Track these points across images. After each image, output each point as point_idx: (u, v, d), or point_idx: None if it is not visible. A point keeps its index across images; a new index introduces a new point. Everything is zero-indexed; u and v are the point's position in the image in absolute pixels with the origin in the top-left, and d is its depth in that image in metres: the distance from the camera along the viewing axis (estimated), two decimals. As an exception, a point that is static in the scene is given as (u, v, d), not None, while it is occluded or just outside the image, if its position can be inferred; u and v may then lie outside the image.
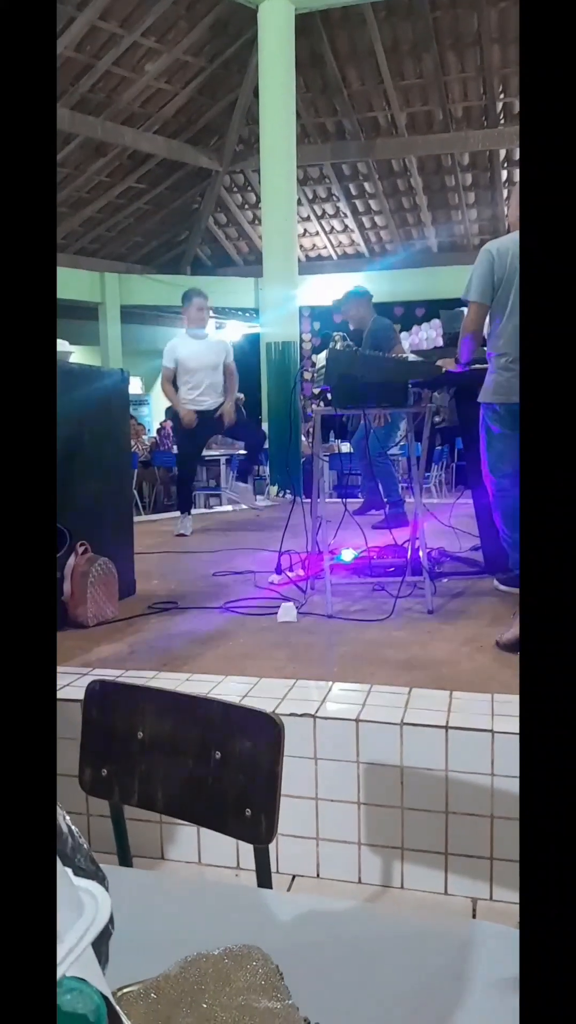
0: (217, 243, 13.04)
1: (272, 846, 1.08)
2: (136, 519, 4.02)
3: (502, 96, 9.84)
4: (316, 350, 11.82)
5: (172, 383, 5.07)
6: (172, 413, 5.30)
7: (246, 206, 12.28)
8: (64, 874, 0.44)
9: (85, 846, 0.59)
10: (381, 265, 12.07)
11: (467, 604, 3.16)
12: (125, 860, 1.25)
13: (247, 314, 12.79)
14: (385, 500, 5.06)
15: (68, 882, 0.44)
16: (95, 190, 11.02)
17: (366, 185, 11.40)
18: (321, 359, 3.33)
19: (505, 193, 10.94)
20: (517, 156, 10.41)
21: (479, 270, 3.00)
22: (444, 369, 3.31)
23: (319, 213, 12.03)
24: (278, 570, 3.62)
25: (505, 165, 10.63)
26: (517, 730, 1.80)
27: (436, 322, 10.52)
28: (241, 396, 9.72)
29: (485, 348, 3.38)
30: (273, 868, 1.15)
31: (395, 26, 9.12)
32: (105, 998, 0.41)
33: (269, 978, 0.59)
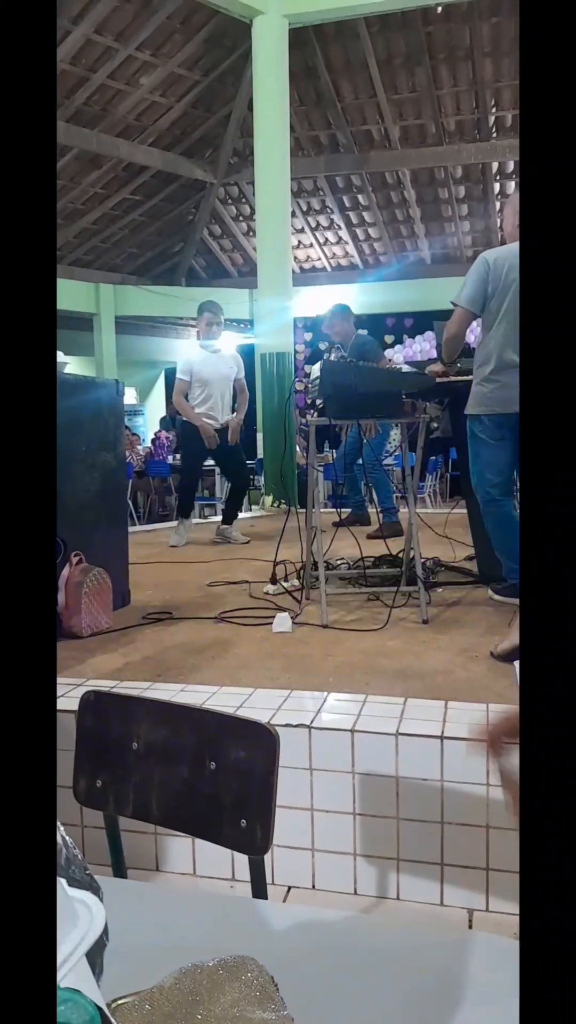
0: (212, 254, 13.09)
1: (267, 857, 1.08)
2: (130, 529, 4.02)
3: (494, 109, 9.93)
4: (308, 361, 11.86)
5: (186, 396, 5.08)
6: (181, 424, 5.25)
7: (240, 218, 12.34)
8: (59, 885, 0.44)
9: (79, 857, 0.58)
10: (375, 276, 12.13)
11: (462, 614, 3.16)
12: (120, 871, 1.25)
13: (242, 325, 12.83)
14: (379, 510, 5.07)
15: (63, 893, 0.44)
16: (90, 202, 11.06)
17: (360, 197, 11.47)
18: (315, 370, 3.34)
19: (498, 205, 11.02)
20: (509, 169, 10.51)
21: (473, 278, 3.02)
22: (436, 377, 3.33)
23: (313, 225, 12.09)
24: (273, 580, 3.62)
25: (498, 177, 10.71)
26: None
27: (430, 334, 10.58)
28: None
29: (471, 359, 3.40)
30: (268, 879, 1.14)
31: (388, 40, 9.20)
32: (100, 1009, 0.41)
33: (264, 989, 0.58)
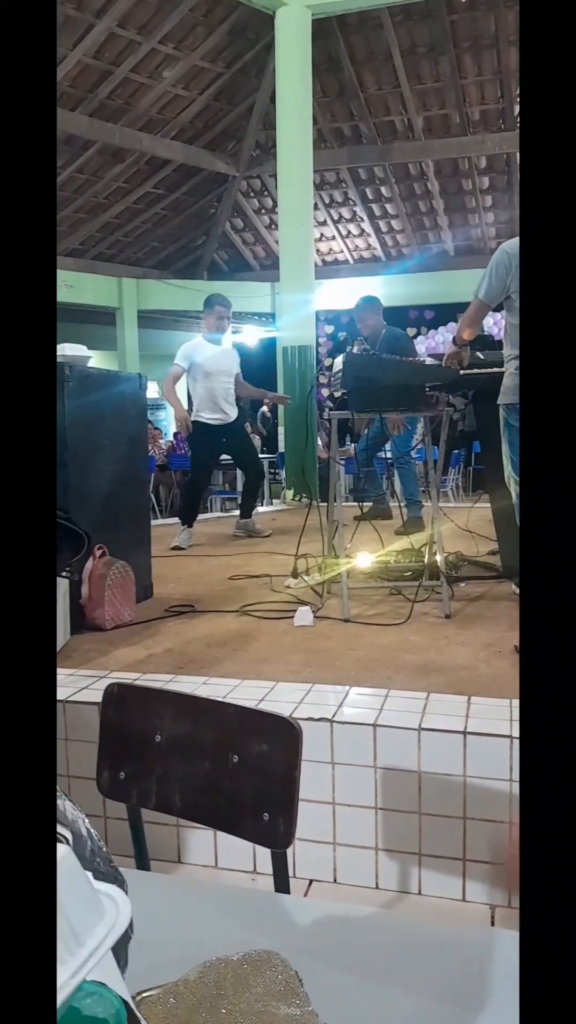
0: (234, 248, 13.08)
1: (289, 851, 1.08)
2: (153, 523, 4.04)
3: (519, 99, 9.81)
4: (330, 353, 11.82)
5: (179, 387, 5.07)
6: (192, 424, 5.16)
7: (263, 211, 12.31)
8: (84, 877, 0.44)
9: (104, 849, 0.59)
10: (397, 269, 12.05)
11: (485, 609, 3.14)
12: (143, 863, 1.25)
13: (263, 318, 12.83)
14: (401, 505, 5.05)
15: (88, 886, 0.44)
16: (113, 196, 11.09)
17: (382, 189, 11.40)
18: (337, 362, 3.32)
19: (522, 196, 10.89)
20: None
21: (495, 271, 2.99)
22: (460, 370, 3.30)
23: (335, 217, 12.04)
24: (294, 573, 3.62)
25: (522, 168, 10.59)
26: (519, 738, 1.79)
27: (452, 325, 10.47)
28: (267, 402, 9.69)
29: (500, 352, 3.36)
30: (290, 873, 1.14)
31: (412, 29, 9.12)
32: (125, 1002, 0.41)
33: (288, 984, 0.58)
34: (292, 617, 2.98)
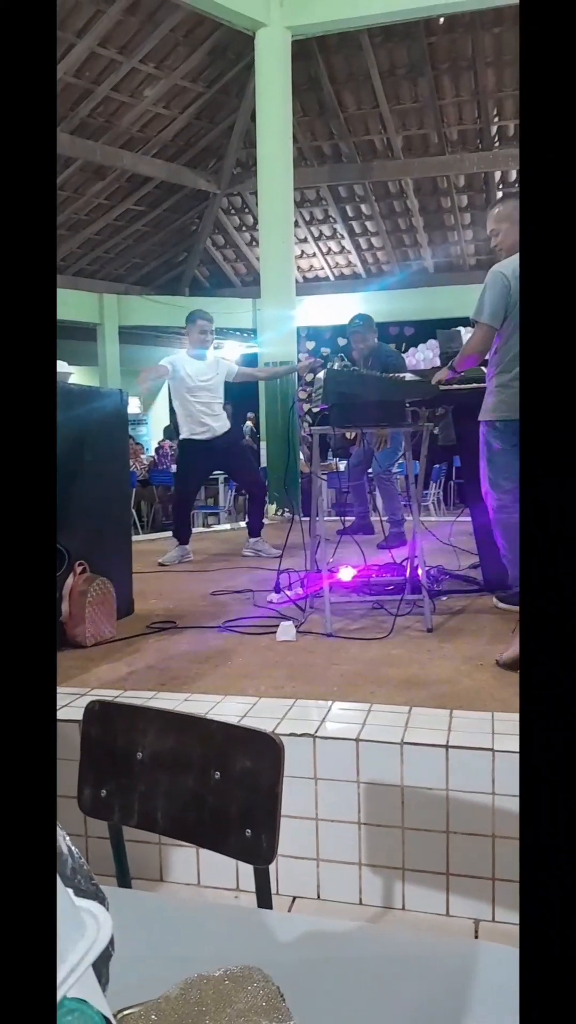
0: (215, 264, 13.15)
1: (272, 867, 1.08)
2: (134, 538, 4.03)
3: (497, 119, 9.97)
4: (312, 369, 11.88)
5: (164, 385, 5.03)
6: (181, 441, 5.04)
7: (244, 228, 12.39)
8: (65, 894, 0.44)
9: (85, 867, 0.58)
10: (378, 286, 12.16)
11: (466, 622, 3.16)
12: (124, 882, 1.24)
13: (245, 334, 12.88)
14: (384, 519, 5.07)
15: (69, 903, 0.44)
16: (94, 212, 11.12)
17: (363, 207, 11.51)
18: (318, 378, 3.35)
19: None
20: (512, 178, 10.54)
21: (493, 293, 3.01)
22: (440, 385, 3.33)
23: (316, 235, 12.14)
24: (277, 589, 3.61)
25: (500, 186, 10.75)
26: (518, 749, 1.80)
27: (433, 342, 10.57)
28: (251, 417, 9.65)
29: (481, 367, 3.41)
30: (273, 890, 1.14)
31: (391, 51, 9.26)
32: (106, 1019, 0.41)
33: (270, 999, 0.58)
34: (275, 632, 2.97)
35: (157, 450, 11.75)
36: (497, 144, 10.25)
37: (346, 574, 3.58)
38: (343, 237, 12.04)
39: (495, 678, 2.39)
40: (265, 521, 5.23)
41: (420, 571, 3.28)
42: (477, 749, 1.81)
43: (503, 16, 8.46)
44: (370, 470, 5.44)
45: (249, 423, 12.09)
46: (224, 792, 1.10)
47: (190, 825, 1.15)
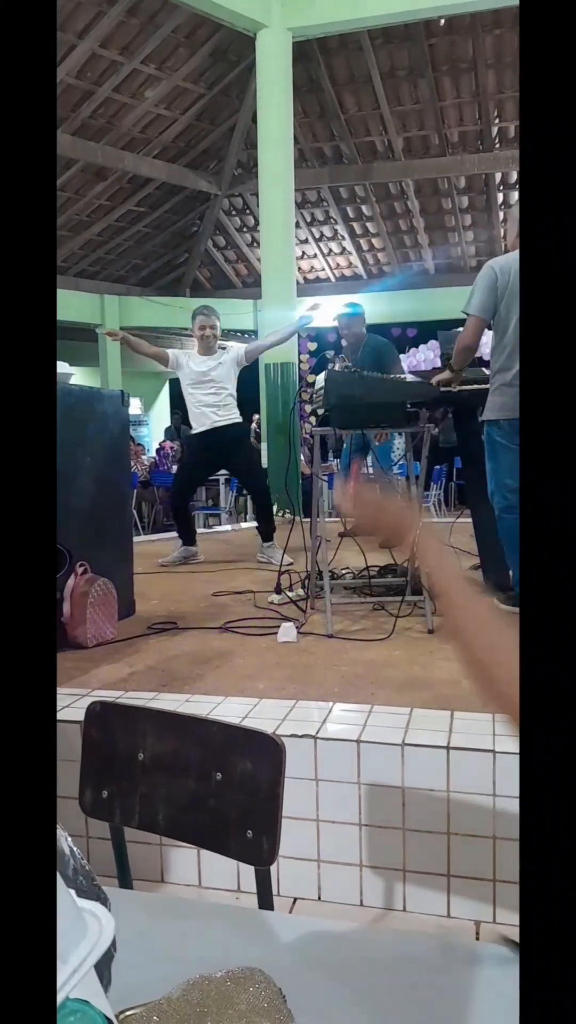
0: (216, 265, 13.15)
1: (273, 868, 1.08)
2: (135, 539, 4.03)
3: (497, 121, 9.97)
4: (313, 370, 11.88)
5: (162, 365, 4.86)
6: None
7: (245, 229, 12.40)
8: (67, 895, 0.44)
9: (87, 867, 0.58)
10: (379, 287, 12.16)
11: (467, 623, 3.15)
12: (125, 883, 1.24)
13: (246, 335, 12.87)
14: None
15: (72, 903, 0.44)
16: (95, 213, 11.13)
17: (363, 208, 11.51)
18: (319, 380, 3.35)
19: (501, 215, 11.05)
20: (512, 179, 10.55)
21: (481, 284, 3.04)
22: (441, 386, 3.34)
23: (317, 236, 12.14)
24: (278, 590, 3.61)
25: (501, 188, 10.75)
26: (518, 750, 1.80)
27: (434, 343, 10.58)
28: (256, 418, 9.58)
29: (482, 368, 3.41)
30: (274, 891, 1.14)
31: (391, 52, 9.26)
32: (108, 1020, 0.41)
33: (272, 1000, 0.58)
34: (276, 633, 2.97)
35: (158, 451, 11.75)
36: (498, 146, 10.25)
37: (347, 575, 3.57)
38: (344, 238, 12.04)
39: (496, 679, 2.38)
40: (245, 524, 5.07)
41: (421, 572, 3.27)
42: (478, 751, 1.81)
43: (503, 18, 8.46)
44: (369, 469, 5.43)
45: (254, 424, 12.07)
46: (225, 793, 1.11)
47: (191, 826, 1.15)
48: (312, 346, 12.15)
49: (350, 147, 10.62)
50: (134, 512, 6.21)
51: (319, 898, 1.90)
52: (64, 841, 0.61)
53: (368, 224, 11.78)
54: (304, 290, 11.40)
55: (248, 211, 11.93)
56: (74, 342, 12.30)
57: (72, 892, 0.44)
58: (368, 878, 1.87)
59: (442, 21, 8.57)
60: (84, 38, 8.42)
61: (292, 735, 1.90)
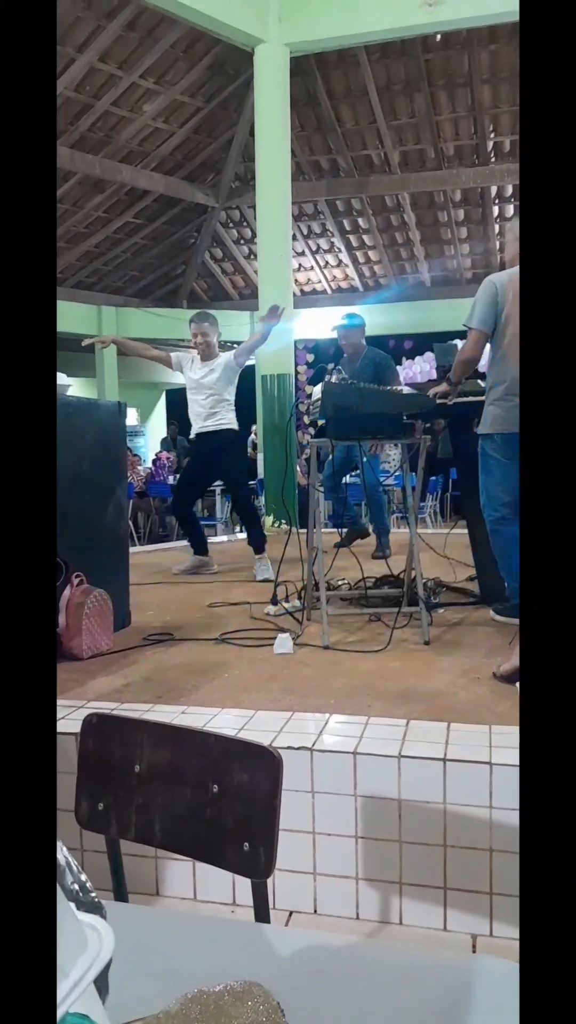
0: (213, 277, 13.20)
1: (268, 881, 1.07)
2: (131, 550, 4.02)
3: (493, 135, 10.05)
4: (311, 381, 11.91)
5: (164, 363, 4.90)
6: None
7: (242, 241, 12.45)
8: (68, 908, 0.44)
9: (84, 880, 0.58)
10: (375, 299, 12.22)
11: (463, 635, 3.16)
12: (121, 895, 1.24)
13: (243, 346, 12.90)
14: (374, 531, 5.08)
15: (72, 917, 0.44)
16: (93, 225, 11.17)
17: (360, 220, 11.58)
18: (316, 391, 3.36)
19: (497, 228, 11.12)
20: (508, 192, 10.62)
21: (482, 298, 3.06)
22: (437, 398, 3.35)
23: (314, 248, 12.20)
24: (274, 601, 3.61)
25: (496, 201, 10.82)
26: (515, 762, 1.80)
27: (429, 355, 10.61)
28: (254, 428, 9.52)
29: (478, 381, 3.43)
30: (269, 904, 1.13)
31: (388, 67, 9.34)
32: (107, 1034, 0.41)
33: (270, 1015, 0.58)
34: (272, 645, 2.97)
35: (154, 461, 11.75)
36: (493, 159, 10.33)
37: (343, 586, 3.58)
38: (340, 251, 12.10)
39: (492, 691, 2.39)
40: (240, 534, 4.97)
41: (417, 583, 3.28)
42: (474, 762, 1.81)
43: (498, 34, 8.55)
44: (355, 478, 5.42)
45: (252, 435, 12.07)
46: (222, 805, 1.10)
47: (187, 839, 1.15)
48: (310, 357, 12.20)
49: (347, 160, 10.69)
50: (130, 523, 6.20)
51: (315, 911, 1.89)
52: (62, 853, 0.60)
53: (364, 236, 11.85)
54: (301, 302, 11.45)
55: (245, 223, 11.99)
56: (71, 353, 12.27)
57: (72, 905, 0.44)
58: (364, 891, 1.86)
59: (438, 37, 8.65)
60: (83, 52, 8.48)
61: (288, 747, 1.89)
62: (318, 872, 1.88)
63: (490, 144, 10.16)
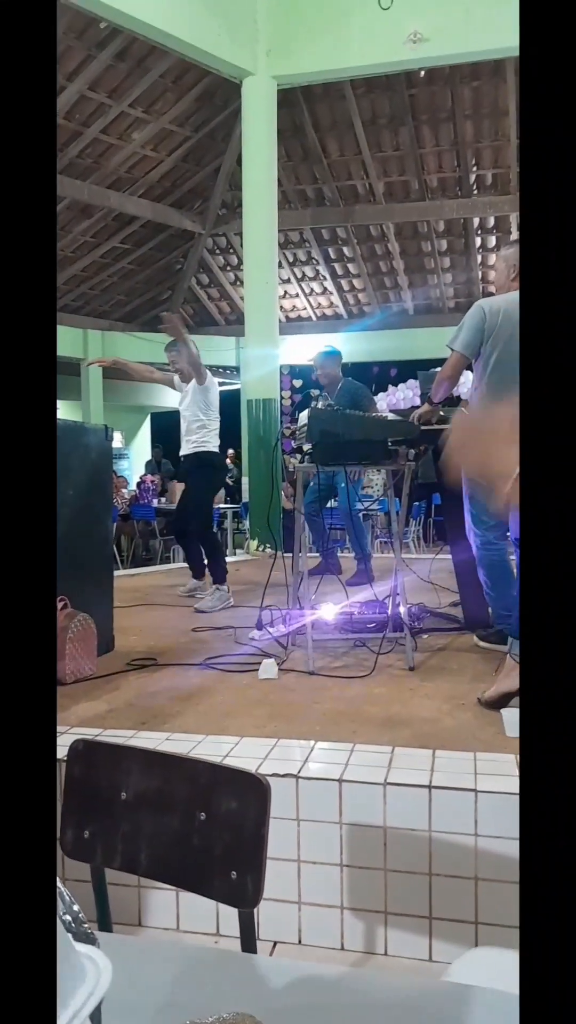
0: (199, 303, 13.29)
1: (253, 911, 1.07)
2: (115, 573, 4.00)
3: (475, 168, 10.25)
4: (297, 407, 11.98)
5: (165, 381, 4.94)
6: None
7: (228, 268, 12.56)
8: (66, 940, 0.44)
9: (77, 910, 0.58)
10: (359, 326, 12.35)
11: (448, 660, 3.16)
12: (105, 925, 1.22)
13: (228, 372, 12.98)
14: (356, 558, 5.09)
15: (70, 947, 0.44)
16: (80, 249, 11.24)
17: (345, 249, 11.73)
18: (302, 417, 3.39)
19: (479, 259, 11.31)
20: (490, 224, 10.81)
21: (469, 323, 3.09)
22: (421, 421, 3.38)
23: (299, 275, 12.33)
24: (259, 626, 3.61)
25: (479, 232, 11.01)
26: (500, 789, 1.80)
27: (413, 382, 10.73)
28: (231, 454, 9.52)
29: (462, 409, 3.46)
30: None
31: (373, 101, 9.52)
32: (103, 1067, 0.41)
33: (262, 1047, 0.58)
34: (256, 670, 2.96)
35: (139, 484, 11.72)
36: (476, 192, 10.52)
37: (328, 612, 3.58)
38: (325, 278, 12.24)
39: (477, 717, 2.39)
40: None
41: (402, 609, 3.29)
42: (460, 789, 1.81)
43: (480, 71, 8.75)
44: (333, 504, 5.42)
45: (228, 460, 12.09)
46: (209, 833, 1.10)
47: (174, 867, 1.14)
48: (297, 383, 12.28)
49: (332, 190, 10.85)
50: (113, 546, 6.17)
51: (300, 942, 1.87)
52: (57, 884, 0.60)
53: (349, 265, 11.99)
54: (286, 328, 11.54)
55: (232, 250, 12.11)
56: (57, 376, 12.30)
57: (70, 937, 0.44)
58: (349, 921, 1.84)
59: (422, 73, 8.84)
60: (73, 80, 8.58)
61: (273, 774, 1.88)
62: (303, 901, 1.87)
63: (472, 177, 10.35)
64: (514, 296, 3.03)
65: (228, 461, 12.05)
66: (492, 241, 11.03)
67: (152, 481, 11.36)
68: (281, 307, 11.85)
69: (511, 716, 2.27)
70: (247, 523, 8.06)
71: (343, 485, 4.90)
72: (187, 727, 2.34)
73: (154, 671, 3.10)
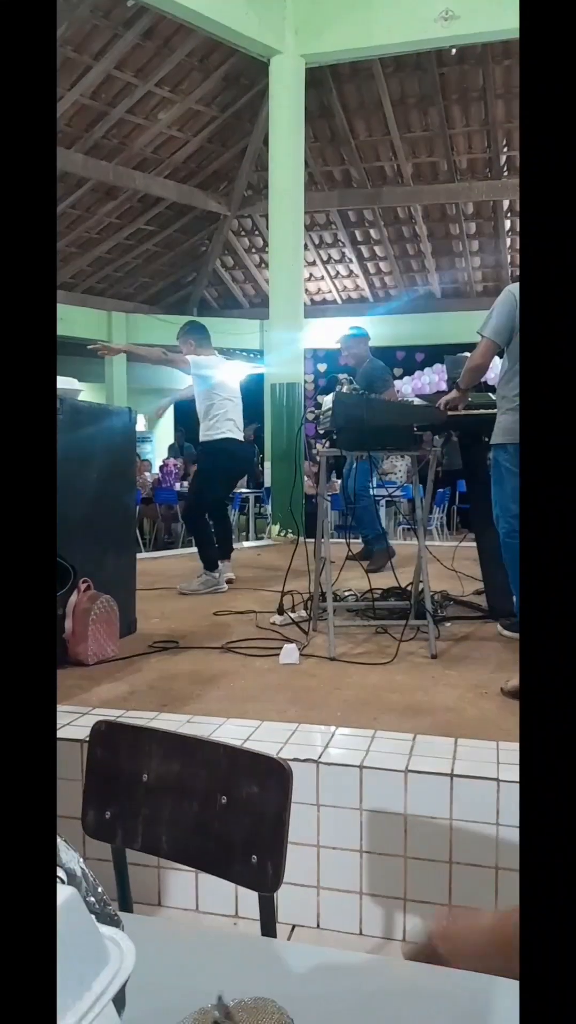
0: (224, 285, 13.25)
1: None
2: (138, 556, 4.02)
3: (506, 149, 10.08)
4: (321, 391, 11.92)
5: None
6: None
7: (253, 250, 12.50)
8: (90, 920, 0.43)
9: (100, 891, 0.58)
10: (385, 310, 12.24)
11: (471, 649, 3.14)
12: (126, 906, 1.23)
13: (252, 355, 12.95)
14: (363, 538, 5.03)
15: (94, 929, 0.44)
16: (105, 231, 11.23)
17: (371, 231, 11.62)
18: (326, 401, 3.36)
19: (508, 242, 11.14)
20: (520, 207, 10.65)
21: (500, 310, 3.05)
22: (448, 408, 3.35)
23: (325, 258, 12.24)
24: (280, 610, 3.61)
25: (508, 215, 10.84)
26: (519, 757, 1.78)
27: (439, 367, 10.62)
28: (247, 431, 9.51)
29: (488, 394, 3.42)
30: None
31: (402, 81, 9.39)
32: (126, 1051, 0.41)
33: (283, 1033, 0.58)
34: (277, 655, 2.96)
35: (161, 468, 11.76)
36: (506, 174, 10.36)
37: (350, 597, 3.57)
38: (351, 261, 12.14)
39: (500, 707, 2.37)
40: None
41: (425, 596, 3.27)
42: (481, 778, 1.80)
43: (513, 49, 8.58)
44: (377, 488, 5.36)
45: (246, 438, 12.03)
46: (230, 817, 1.10)
47: (195, 850, 1.14)
48: (322, 367, 12.22)
49: (360, 172, 10.73)
50: (136, 529, 6.18)
51: (318, 926, 1.87)
52: (77, 863, 0.60)
53: (376, 247, 11.88)
54: (311, 311, 11.48)
55: (257, 232, 12.04)
56: (80, 358, 12.32)
57: (93, 918, 0.43)
58: (368, 906, 1.85)
59: (453, 51, 8.68)
60: (100, 60, 8.54)
61: (294, 759, 1.88)
62: (322, 886, 1.87)
63: (503, 158, 10.19)
64: None
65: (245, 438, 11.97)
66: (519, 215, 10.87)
67: (175, 465, 11.40)
68: (306, 290, 11.78)
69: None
70: (269, 508, 8.06)
71: (355, 466, 4.84)
72: (208, 710, 2.35)
73: (175, 654, 3.11)
